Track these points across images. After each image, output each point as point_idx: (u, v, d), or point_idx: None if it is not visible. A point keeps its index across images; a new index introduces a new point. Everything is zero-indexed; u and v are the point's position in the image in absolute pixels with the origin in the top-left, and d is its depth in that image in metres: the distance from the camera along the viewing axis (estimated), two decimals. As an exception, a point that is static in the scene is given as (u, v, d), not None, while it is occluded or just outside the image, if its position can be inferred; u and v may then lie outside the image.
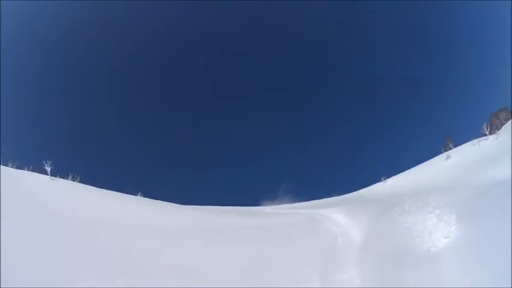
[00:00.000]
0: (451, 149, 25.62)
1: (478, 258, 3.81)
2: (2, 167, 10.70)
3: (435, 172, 19.07)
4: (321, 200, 22.60)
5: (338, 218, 9.88)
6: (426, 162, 23.93)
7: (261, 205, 20.42)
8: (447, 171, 18.40)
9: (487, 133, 24.22)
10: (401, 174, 25.02)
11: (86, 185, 12.33)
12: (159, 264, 5.22)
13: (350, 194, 24.39)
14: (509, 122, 26.04)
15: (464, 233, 4.65)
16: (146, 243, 6.32)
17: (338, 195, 23.41)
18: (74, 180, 12.79)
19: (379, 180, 25.03)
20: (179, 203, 14.41)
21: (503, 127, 26.43)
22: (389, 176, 25.07)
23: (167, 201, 14.23)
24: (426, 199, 7.01)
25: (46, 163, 12.17)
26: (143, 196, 14.13)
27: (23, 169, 12.14)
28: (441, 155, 23.50)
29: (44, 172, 12.16)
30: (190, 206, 14.83)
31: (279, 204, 20.77)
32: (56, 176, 12.30)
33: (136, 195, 14.03)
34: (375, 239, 6.82)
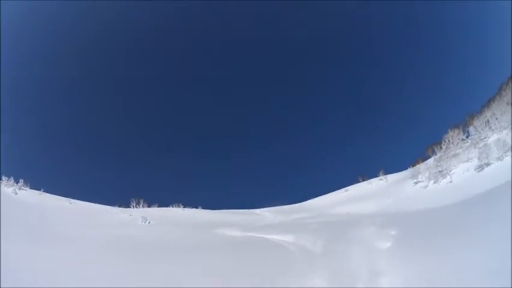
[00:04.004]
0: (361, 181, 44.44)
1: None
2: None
3: (330, 199, 37.72)
4: (279, 207, 40.83)
5: (269, 215, 29.02)
6: (337, 191, 42.61)
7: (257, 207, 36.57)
8: (336, 200, 36.93)
9: (380, 175, 42.42)
10: (326, 195, 43.76)
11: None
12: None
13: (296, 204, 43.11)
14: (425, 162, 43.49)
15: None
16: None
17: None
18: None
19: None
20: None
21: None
22: (318, 195, 43.98)
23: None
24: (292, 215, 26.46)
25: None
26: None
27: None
28: (345, 188, 42.12)
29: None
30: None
31: (268, 207, 36.90)
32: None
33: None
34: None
